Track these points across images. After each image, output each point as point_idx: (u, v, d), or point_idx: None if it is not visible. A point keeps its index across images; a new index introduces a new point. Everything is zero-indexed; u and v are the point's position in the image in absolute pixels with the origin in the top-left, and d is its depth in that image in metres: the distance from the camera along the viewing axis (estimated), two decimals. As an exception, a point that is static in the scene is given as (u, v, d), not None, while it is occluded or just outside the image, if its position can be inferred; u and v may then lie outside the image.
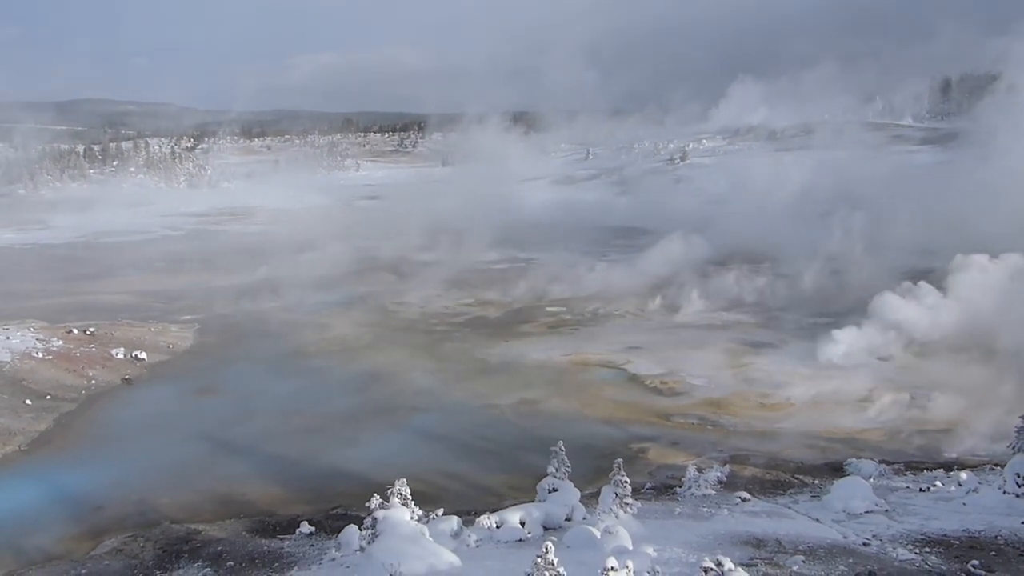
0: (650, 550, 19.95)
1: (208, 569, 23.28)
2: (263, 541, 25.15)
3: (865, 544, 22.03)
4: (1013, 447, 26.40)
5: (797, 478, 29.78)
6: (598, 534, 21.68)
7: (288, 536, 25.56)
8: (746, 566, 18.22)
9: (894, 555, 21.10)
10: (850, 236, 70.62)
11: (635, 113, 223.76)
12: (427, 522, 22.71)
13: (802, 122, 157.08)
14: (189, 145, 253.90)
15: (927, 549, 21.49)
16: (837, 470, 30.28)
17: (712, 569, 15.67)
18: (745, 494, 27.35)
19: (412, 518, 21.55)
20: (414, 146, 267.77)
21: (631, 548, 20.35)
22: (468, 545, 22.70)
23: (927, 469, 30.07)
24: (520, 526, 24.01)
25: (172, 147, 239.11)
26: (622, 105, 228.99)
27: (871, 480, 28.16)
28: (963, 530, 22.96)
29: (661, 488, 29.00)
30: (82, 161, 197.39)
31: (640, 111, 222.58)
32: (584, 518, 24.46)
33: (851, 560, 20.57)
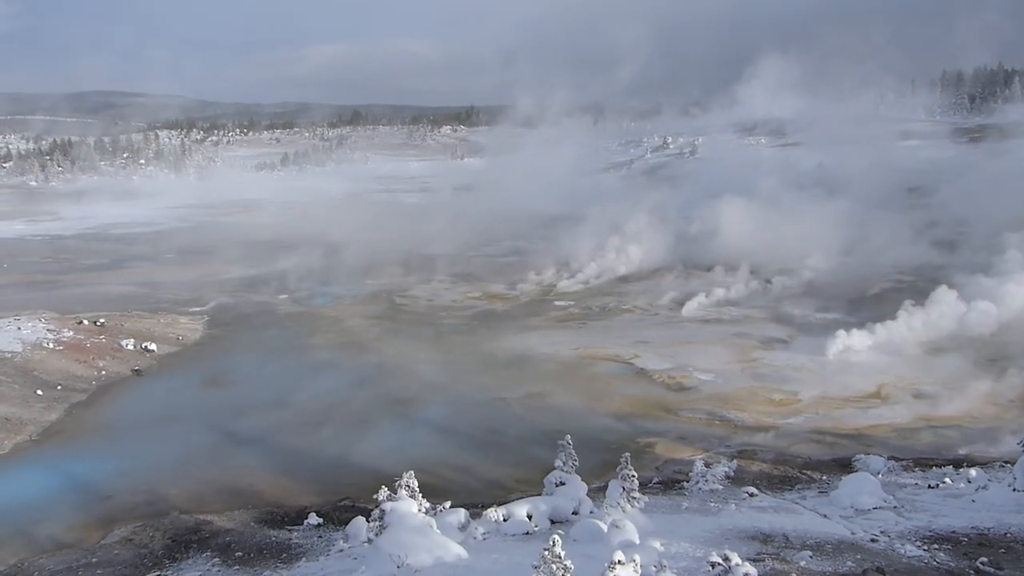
0: (657, 544, 19.94)
1: (217, 559, 23.40)
2: (271, 532, 25.27)
3: (873, 540, 21.95)
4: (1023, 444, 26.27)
5: (805, 474, 29.68)
6: (605, 528, 21.68)
7: (296, 527, 25.67)
8: (753, 561, 18.19)
9: (902, 551, 21.02)
10: (859, 232, 70.42)
11: (641, 107, 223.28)
12: (434, 514, 22.75)
13: (811, 116, 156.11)
14: (199, 137, 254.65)
15: (935, 546, 21.39)
16: (845, 466, 30.16)
17: (719, 564, 15.68)
18: (752, 489, 27.28)
19: (420, 510, 21.60)
20: (423, 139, 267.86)
21: (638, 542, 20.35)
22: (475, 538, 22.74)
23: (936, 465, 29.90)
24: (527, 519, 24.03)
25: (182, 139, 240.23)
26: (627, 100, 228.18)
27: (879, 476, 28.04)
28: (972, 527, 22.83)
29: (668, 483, 28.95)
30: (92, 153, 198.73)
31: (646, 106, 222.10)
32: (591, 512, 24.44)
33: (859, 556, 20.50)
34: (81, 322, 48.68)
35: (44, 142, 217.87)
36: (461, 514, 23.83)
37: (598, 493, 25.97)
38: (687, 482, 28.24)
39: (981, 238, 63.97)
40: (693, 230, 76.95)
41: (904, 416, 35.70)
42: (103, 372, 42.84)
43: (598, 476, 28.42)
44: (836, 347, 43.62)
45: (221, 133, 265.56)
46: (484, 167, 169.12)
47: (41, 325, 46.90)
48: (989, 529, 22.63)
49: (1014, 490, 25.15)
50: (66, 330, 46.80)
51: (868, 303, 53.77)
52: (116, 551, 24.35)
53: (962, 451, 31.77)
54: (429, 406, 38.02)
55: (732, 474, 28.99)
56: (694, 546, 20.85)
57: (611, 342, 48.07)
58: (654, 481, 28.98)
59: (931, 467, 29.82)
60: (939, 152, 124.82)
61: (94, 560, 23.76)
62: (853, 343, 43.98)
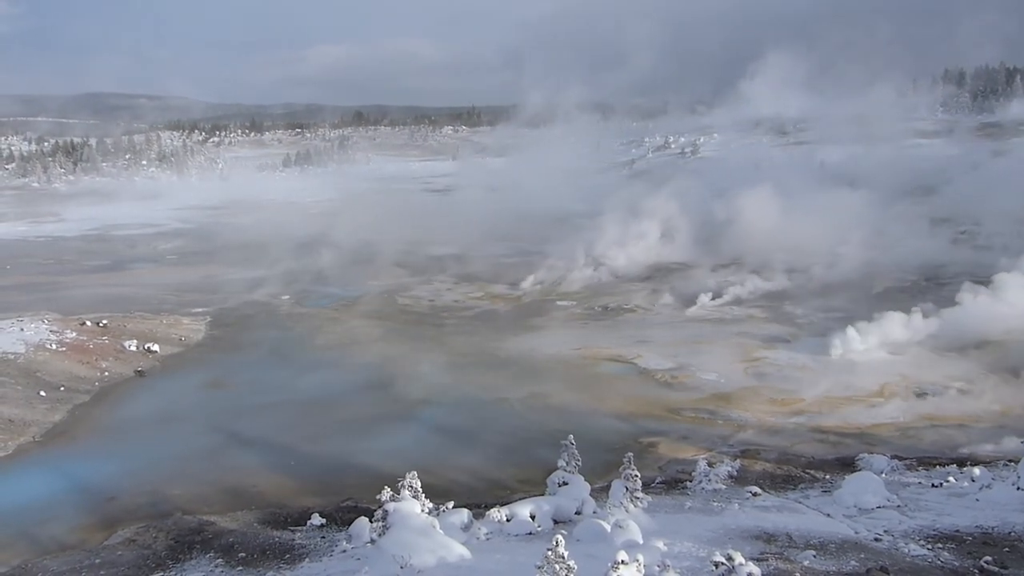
0: (660, 544, 19.95)
1: (220, 560, 23.40)
2: (274, 533, 25.27)
3: (877, 539, 21.92)
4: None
5: (808, 473, 29.63)
6: (608, 528, 21.67)
7: (299, 528, 25.66)
8: (756, 561, 18.18)
9: (906, 551, 20.99)
10: (861, 231, 70.33)
11: (646, 105, 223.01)
12: (437, 515, 22.77)
13: (813, 115, 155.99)
14: (201, 138, 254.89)
15: (939, 545, 21.35)
16: (848, 465, 30.11)
17: (723, 563, 15.67)
18: (756, 489, 27.25)
19: (423, 511, 21.62)
20: (425, 140, 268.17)
21: (641, 542, 20.35)
22: (478, 538, 22.74)
23: (940, 464, 29.80)
24: (530, 519, 24.01)
25: (184, 140, 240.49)
26: (632, 98, 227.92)
27: (883, 475, 27.99)
28: (976, 526, 22.80)
29: (671, 482, 28.91)
30: (95, 154, 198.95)
31: (652, 104, 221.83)
32: (594, 512, 24.44)
33: (862, 555, 20.48)
34: (84, 323, 48.74)
35: (46, 143, 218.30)
36: (464, 514, 23.83)
37: (601, 493, 25.95)
38: (690, 482, 28.19)
39: (1001, 235, 63.85)
40: (694, 230, 76.85)
41: (908, 415, 35.65)
42: (106, 373, 42.89)
43: (601, 476, 28.42)
44: (839, 346, 43.40)
45: (223, 134, 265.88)
46: (484, 167, 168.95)
47: (44, 326, 46.98)
48: (993, 528, 22.60)
49: (1018, 489, 25.11)
50: (69, 331, 46.86)
51: (870, 302, 53.57)
52: (119, 552, 24.37)
53: (966, 450, 31.71)
54: (431, 406, 38.00)
55: (735, 473, 28.94)
56: (697, 546, 20.83)
57: (613, 342, 48.03)
58: (657, 481, 28.94)
59: (935, 466, 29.72)
60: (942, 150, 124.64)
61: (97, 561, 23.78)
62: (856, 341, 43.67)
